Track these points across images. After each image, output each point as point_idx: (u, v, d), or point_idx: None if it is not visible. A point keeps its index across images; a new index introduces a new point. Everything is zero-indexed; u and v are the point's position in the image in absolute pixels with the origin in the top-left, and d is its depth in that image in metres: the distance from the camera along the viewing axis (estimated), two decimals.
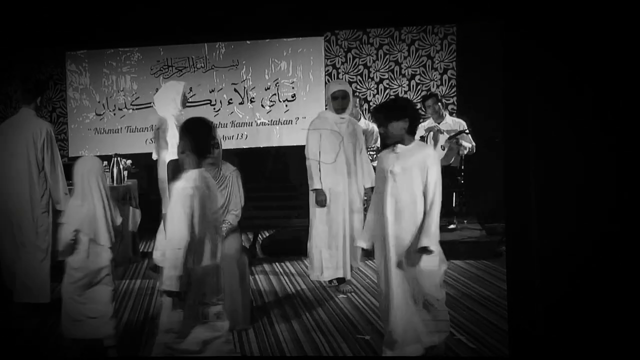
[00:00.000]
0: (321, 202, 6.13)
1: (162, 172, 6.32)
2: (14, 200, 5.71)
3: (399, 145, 4.36)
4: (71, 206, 4.61)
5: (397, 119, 4.32)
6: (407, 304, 4.32)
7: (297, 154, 8.78)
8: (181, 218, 3.78)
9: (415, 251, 4.26)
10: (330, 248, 6.14)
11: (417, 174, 4.28)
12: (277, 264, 7.35)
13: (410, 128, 4.36)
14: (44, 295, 5.67)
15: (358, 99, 8.52)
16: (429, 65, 9.09)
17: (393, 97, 9.01)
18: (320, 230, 6.19)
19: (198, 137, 4.10)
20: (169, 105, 6.43)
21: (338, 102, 6.15)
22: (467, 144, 7.86)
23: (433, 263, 4.31)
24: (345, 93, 6.19)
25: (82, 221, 4.51)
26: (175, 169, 5.69)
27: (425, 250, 4.23)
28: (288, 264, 7.33)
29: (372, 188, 5.68)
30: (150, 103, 9.26)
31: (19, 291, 5.70)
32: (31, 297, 5.67)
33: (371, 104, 9.24)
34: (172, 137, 6.04)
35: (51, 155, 5.76)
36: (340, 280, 6.25)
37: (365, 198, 6.25)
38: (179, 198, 3.83)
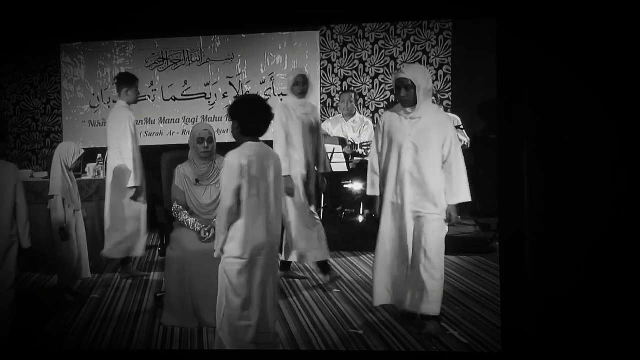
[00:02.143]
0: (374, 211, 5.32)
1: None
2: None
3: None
4: None
5: (231, 121, 4.29)
6: None
7: None
8: None
9: None
10: None
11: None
12: None
13: (241, 129, 4.23)
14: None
15: (353, 94, 8.51)
16: (424, 61, 9.09)
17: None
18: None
19: None
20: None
21: (399, 92, 4.93)
22: (463, 138, 7.87)
23: None
24: (404, 81, 4.88)
25: None
26: (171, 162, 5.70)
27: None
28: (282, 257, 7.31)
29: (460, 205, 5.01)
30: (145, 96, 9.25)
31: None
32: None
33: (366, 98, 9.24)
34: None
35: (124, 140, 6.58)
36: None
37: (452, 220, 5.02)
38: None
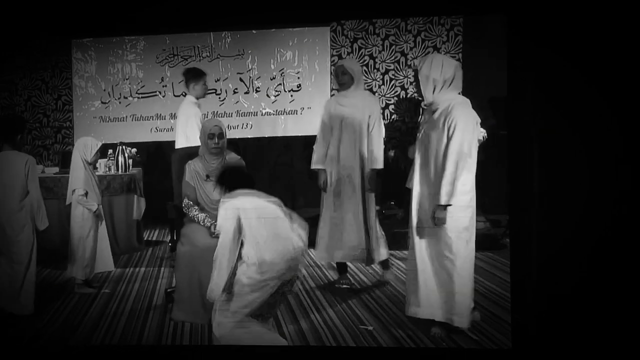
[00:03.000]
0: None
1: None
2: None
3: None
4: None
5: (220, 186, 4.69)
6: None
7: (301, 143, 8.81)
8: None
9: None
10: None
11: None
12: None
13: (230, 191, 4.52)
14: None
15: None
16: None
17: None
18: None
19: None
20: None
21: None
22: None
23: None
24: (413, 72, 4.90)
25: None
26: (182, 158, 5.72)
27: None
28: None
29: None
30: (155, 92, 9.27)
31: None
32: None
33: (377, 94, 9.22)
34: None
35: (193, 135, 6.66)
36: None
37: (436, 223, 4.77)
38: None
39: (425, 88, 4.69)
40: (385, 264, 6.17)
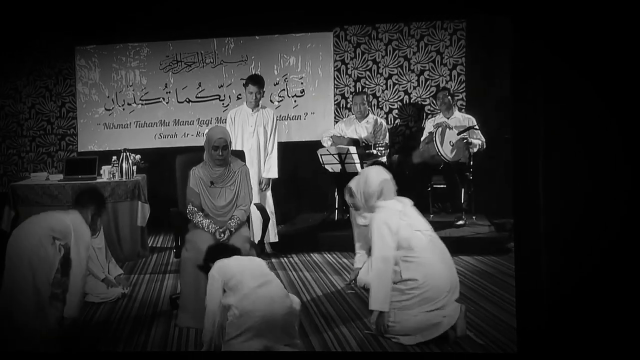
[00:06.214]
0: None
1: None
2: None
3: None
4: None
5: None
6: None
7: (305, 149, 8.81)
8: None
9: None
10: None
11: None
12: (284, 258, 7.36)
13: None
14: None
15: (365, 95, 8.51)
16: (438, 61, 9.07)
17: None
18: None
19: None
20: None
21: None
22: (477, 140, 7.83)
23: None
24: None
25: None
26: (186, 164, 5.72)
27: None
28: (295, 258, 7.33)
29: None
30: (159, 98, 9.28)
31: None
32: None
33: (380, 99, 9.23)
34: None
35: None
36: None
37: None
38: None
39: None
40: None
